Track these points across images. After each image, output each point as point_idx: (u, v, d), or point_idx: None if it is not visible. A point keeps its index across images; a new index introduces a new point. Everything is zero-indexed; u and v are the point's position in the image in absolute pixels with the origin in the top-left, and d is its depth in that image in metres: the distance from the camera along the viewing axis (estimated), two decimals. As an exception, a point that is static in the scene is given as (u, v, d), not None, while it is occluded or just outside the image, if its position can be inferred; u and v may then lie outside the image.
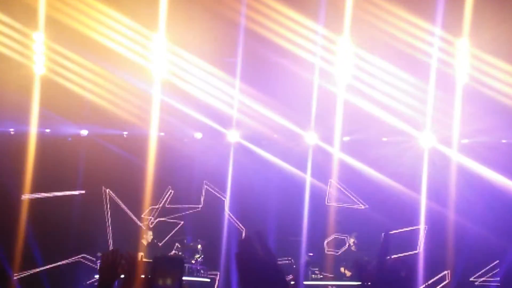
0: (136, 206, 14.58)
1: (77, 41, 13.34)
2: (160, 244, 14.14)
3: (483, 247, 13.39)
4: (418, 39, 12.68)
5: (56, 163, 14.44)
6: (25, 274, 14.04)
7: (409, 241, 13.85)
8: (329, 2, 12.95)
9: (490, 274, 13.58)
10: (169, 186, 14.86)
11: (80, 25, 13.13)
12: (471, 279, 13.64)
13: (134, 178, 14.35)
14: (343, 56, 13.31)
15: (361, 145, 14.23)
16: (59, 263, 14.16)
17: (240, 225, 14.47)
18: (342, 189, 14.27)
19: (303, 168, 14.26)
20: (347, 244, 13.68)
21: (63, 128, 14.68)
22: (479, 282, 13.58)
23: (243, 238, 4.11)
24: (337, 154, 13.98)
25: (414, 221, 13.96)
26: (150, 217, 14.49)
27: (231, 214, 14.62)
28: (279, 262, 4.60)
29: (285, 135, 14.24)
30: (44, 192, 14.57)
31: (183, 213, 14.82)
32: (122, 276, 4.48)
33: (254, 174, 14.34)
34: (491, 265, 13.54)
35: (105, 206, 14.78)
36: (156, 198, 14.70)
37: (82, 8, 13.13)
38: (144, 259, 13.13)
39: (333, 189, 14.34)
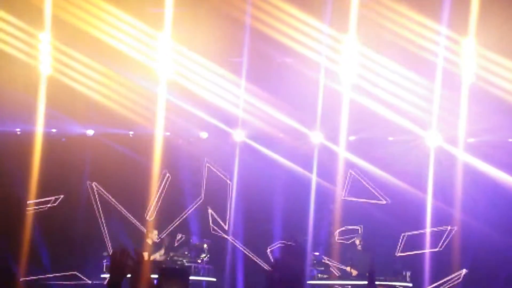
0: (140, 205, 14.59)
1: (83, 41, 13.38)
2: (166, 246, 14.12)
3: (488, 246, 13.36)
4: (424, 38, 12.66)
5: (62, 163, 14.49)
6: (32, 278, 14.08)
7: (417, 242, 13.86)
8: (334, 1, 12.95)
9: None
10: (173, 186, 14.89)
11: (86, 25, 13.16)
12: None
13: (140, 178, 14.39)
14: (349, 55, 13.30)
15: (367, 144, 14.22)
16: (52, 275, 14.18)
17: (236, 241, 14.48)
18: (363, 182, 14.21)
19: (309, 168, 14.25)
20: (357, 241, 13.65)
21: (69, 128, 14.71)
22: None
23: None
24: (343, 153, 13.97)
25: (419, 220, 13.94)
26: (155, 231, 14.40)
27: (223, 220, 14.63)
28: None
29: (290, 134, 14.23)
30: (50, 192, 14.60)
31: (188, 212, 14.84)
32: (129, 275, 4.50)
33: (260, 173, 14.33)
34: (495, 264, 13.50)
35: (95, 206, 14.77)
36: (161, 197, 14.73)
37: (88, 8, 13.17)
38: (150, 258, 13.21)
39: (352, 182, 14.28)
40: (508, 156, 13.59)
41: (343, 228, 14.13)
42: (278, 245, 13.98)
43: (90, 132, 14.92)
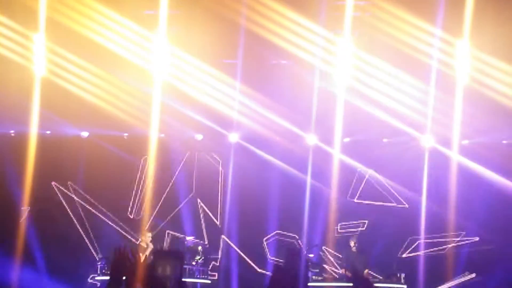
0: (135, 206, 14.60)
1: (78, 42, 13.35)
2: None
3: (482, 248, 13.41)
4: (418, 39, 12.69)
5: (57, 164, 14.47)
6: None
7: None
8: (329, 3, 12.98)
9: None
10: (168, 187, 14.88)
11: (80, 27, 13.14)
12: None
13: (134, 179, 14.39)
14: (343, 57, 13.32)
15: (361, 146, 14.24)
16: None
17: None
18: (385, 182, 14.18)
19: (303, 170, 14.25)
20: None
21: (63, 130, 14.68)
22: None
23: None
24: (338, 155, 13.98)
25: (415, 221, 13.98)
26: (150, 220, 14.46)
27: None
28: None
29: (285, 136, 14.23)
30: (45, 193, 14.58)
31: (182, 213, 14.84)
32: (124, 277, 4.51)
33: (255, 175, 14.34)
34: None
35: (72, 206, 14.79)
36: (156, 198, 14.72)
37: (82, 10, 13.14)
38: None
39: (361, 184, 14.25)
40: (502, 158, 13.63)
41: (340, 227, 14.17)
42: (275, 236, 14.08)
43: (85, 134, 14.90)
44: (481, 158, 13.68)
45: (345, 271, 13.32)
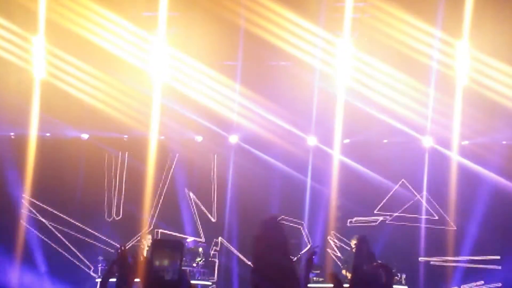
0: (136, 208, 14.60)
1: (77, 45, 13.36)
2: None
3: (483, 248, 13.42)
4: (418, 41, 12.72)
5: (57, 166, 14.46)
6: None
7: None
8: (328, 5, 13.00)
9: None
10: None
11: (80, 29, 13.15)
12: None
13: (134, 181, 14.39)
14: (343, 58, 13.33)
15: (361, 147, 14.23)
16: None
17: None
18: (435, 204, 14.05)
19: (304, 171, 14.25)
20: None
21: (63, 132, 14.68)
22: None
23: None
24: (338, 156, 13.98)
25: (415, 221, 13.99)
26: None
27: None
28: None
29: (285, 137, 14.23)
30: (45, 196, 14.57)
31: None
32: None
33: (255, 176, 14.33)
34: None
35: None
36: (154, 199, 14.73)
37: (81, 12, 13.16)
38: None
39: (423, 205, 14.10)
40: (502, 158, 13.63)
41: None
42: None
43: (85, 136, 14.90)
44: (480, 158, 13.67)
45: (346, 272, 13.31)
